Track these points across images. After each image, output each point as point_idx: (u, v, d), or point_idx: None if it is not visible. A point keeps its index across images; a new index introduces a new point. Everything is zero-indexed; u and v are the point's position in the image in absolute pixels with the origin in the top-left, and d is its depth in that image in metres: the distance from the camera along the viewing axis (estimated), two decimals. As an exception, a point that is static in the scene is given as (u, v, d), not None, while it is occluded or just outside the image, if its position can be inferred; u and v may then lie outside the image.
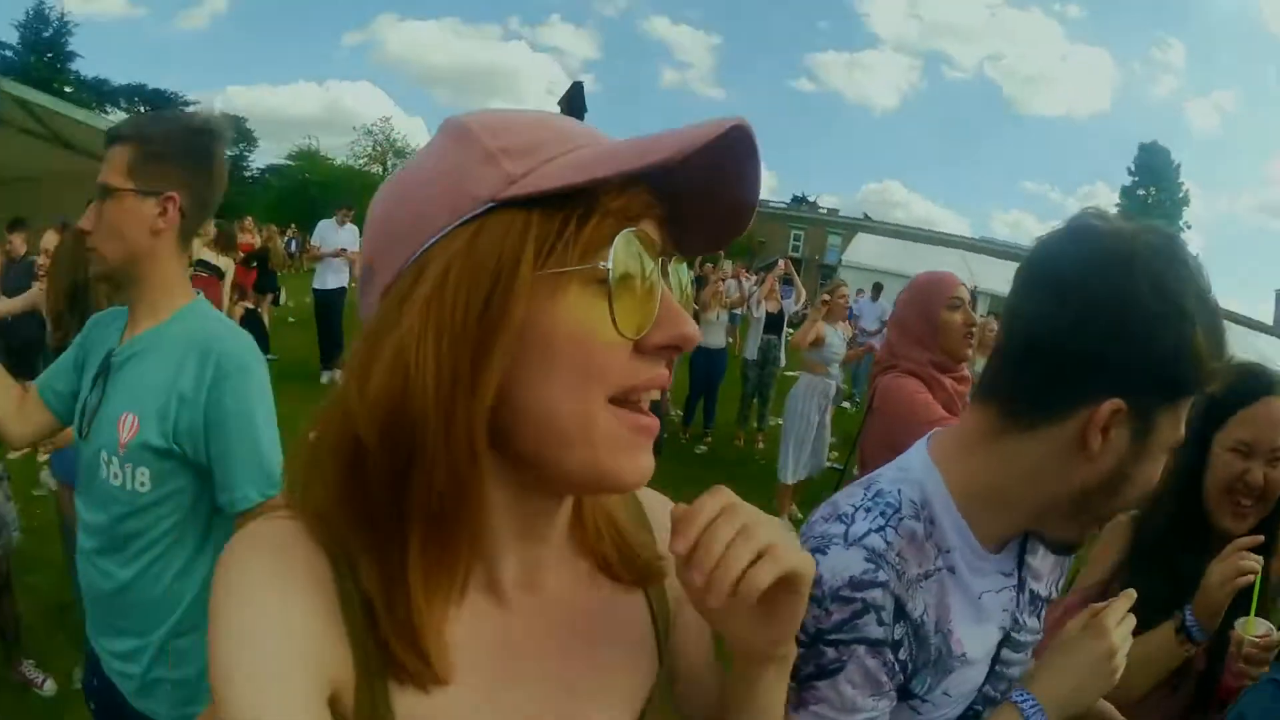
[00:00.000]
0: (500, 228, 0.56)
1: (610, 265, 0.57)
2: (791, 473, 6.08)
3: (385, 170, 51.77)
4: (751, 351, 8.36)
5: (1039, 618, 1.14)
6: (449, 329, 0.56)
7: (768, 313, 8.28)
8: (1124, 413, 0.91)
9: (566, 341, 0.57)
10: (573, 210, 0.57)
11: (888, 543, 0.94)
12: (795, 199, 70.76)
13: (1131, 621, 1.04)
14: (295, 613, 0.57)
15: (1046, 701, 1.01)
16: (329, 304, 9.01)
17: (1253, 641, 1.38)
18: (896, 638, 0.93)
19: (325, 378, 8.79)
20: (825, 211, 62.70)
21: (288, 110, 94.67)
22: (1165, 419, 0.93)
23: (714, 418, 8.51)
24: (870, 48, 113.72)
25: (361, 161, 52.19)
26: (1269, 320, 56.84)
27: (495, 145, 0.59)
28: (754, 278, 9.13)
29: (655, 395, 0.63)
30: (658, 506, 0.84)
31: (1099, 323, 0.91)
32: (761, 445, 8.47)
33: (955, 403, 2.52)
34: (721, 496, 0.63)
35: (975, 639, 1.01)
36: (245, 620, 0.56)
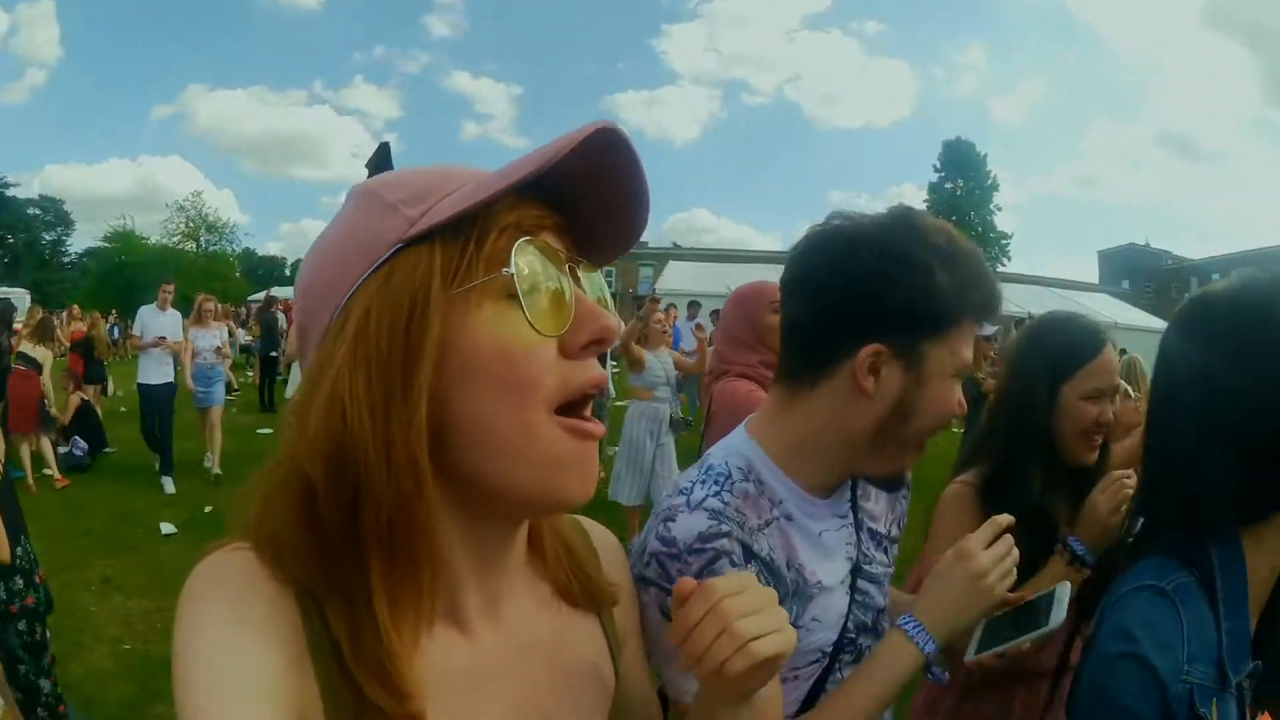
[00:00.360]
0: (409, 263, 0.61)
1: (512, 271, 0.62)
2: (626, 495, 6.29)
3: (200, 247, 49.67)
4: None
5: (885, 552, 1.27)
6: (375, 360, 0.59)
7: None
8: (885, 353, 1.07)
9: (490, 353, 0.61)
10: (470, 233, 0.62)
11: (724, 503, 1.06)
12: (602, 238, 72.72)
13: (1006, 544, 1.15)
14: (259, 650, 0.58)
15: (928, 622, 1.12)
16: (154, 401, 8.27)
17: None
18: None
19: (166, 486, 8.18)
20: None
21: (104, 189, 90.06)
22: (935, 349, 1.07)
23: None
24: (669, 84, 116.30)
25: (175, 239, 50.11)
26: (1094, 279, 60.50)
27: (393, 198, 0.65)
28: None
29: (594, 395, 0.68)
30: (602, 536, 0.90)
31: (833, 292, 1.08)
32: (602, 474, 8.82)
33: None
34: (710, 597, 0.71)
35: (826, 570, 1.14)
36: (208, 659, 0.56)
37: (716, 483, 1.10)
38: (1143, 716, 0.95)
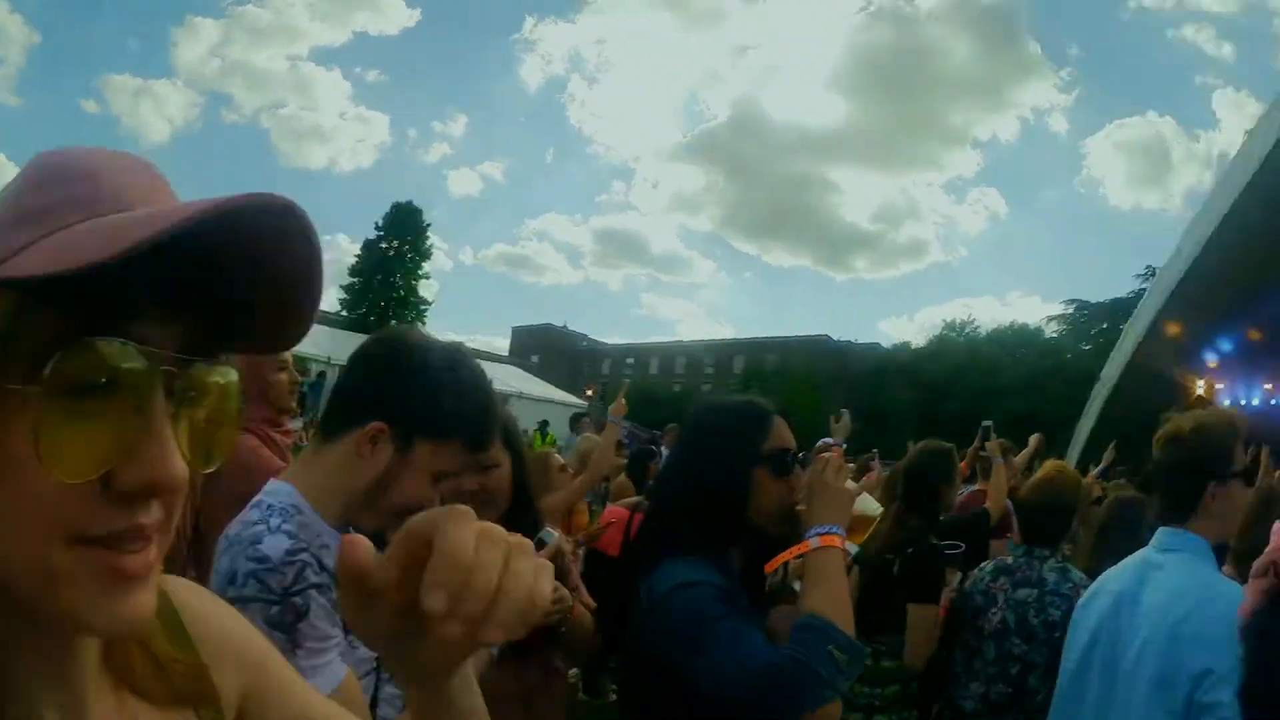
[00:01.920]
0: None
1: (38, 387, 0.43)
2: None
3: None
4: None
5: None
6: None
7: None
8: (386, 433, 1.29)
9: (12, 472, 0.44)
10: (32, 304, 0.44)
11: (293, 531, 1.24)
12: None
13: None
14: None
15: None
16: None
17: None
18: (325, 583, 1.21)
19: None
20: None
21: None
22: (426, 447, 1.32)
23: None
24: (165, 77, 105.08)
25: None
26: (505, 351, 65.51)
27: (27, 204, 0.48)
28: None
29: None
30: (194, 602, 0.69)
31: (373, 375, 1.36)
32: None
33: (286, 454, 2.73)
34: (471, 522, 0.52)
35: None
36: None
37: (282, 515, 1.27)
38: (712, 583, 1.52)
